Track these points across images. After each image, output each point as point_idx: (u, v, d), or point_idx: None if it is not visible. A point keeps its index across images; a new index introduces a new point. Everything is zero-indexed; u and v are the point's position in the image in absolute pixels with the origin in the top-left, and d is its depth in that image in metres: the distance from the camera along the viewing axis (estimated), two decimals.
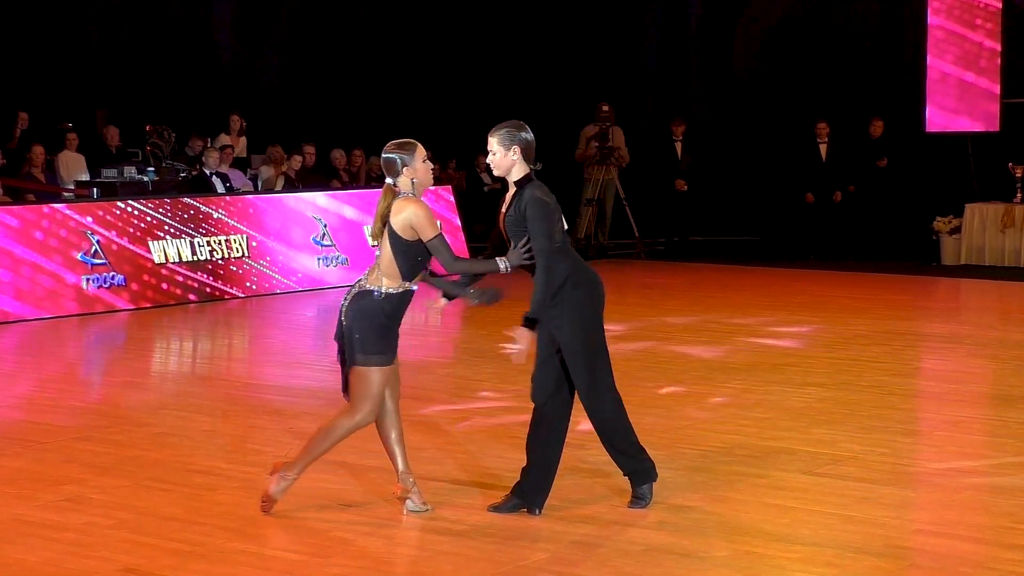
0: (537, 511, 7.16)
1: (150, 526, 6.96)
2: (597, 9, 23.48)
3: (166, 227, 15.74)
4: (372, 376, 6.98)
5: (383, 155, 7.09)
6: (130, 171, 16.55)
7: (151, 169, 16.93)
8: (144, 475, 7.94)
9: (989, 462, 8.52)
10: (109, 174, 16.55)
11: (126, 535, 6.80)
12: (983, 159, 20.70)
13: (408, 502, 7.21)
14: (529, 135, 7.18)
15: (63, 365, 12.81)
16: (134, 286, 15.37)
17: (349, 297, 7.07)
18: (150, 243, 15.59)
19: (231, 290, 16.27)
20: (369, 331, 6.98)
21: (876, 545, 6.71)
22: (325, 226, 17.57)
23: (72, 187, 16.57)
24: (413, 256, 6.94)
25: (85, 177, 16.86)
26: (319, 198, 17.93)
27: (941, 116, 21.00)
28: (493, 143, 7.14)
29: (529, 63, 23.13)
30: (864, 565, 6.40)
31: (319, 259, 17.35)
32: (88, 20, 20.57)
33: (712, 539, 6.77)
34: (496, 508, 7.21)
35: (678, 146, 21.43)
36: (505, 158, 7.13)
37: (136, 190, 16.26)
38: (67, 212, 15.08)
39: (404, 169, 7.01)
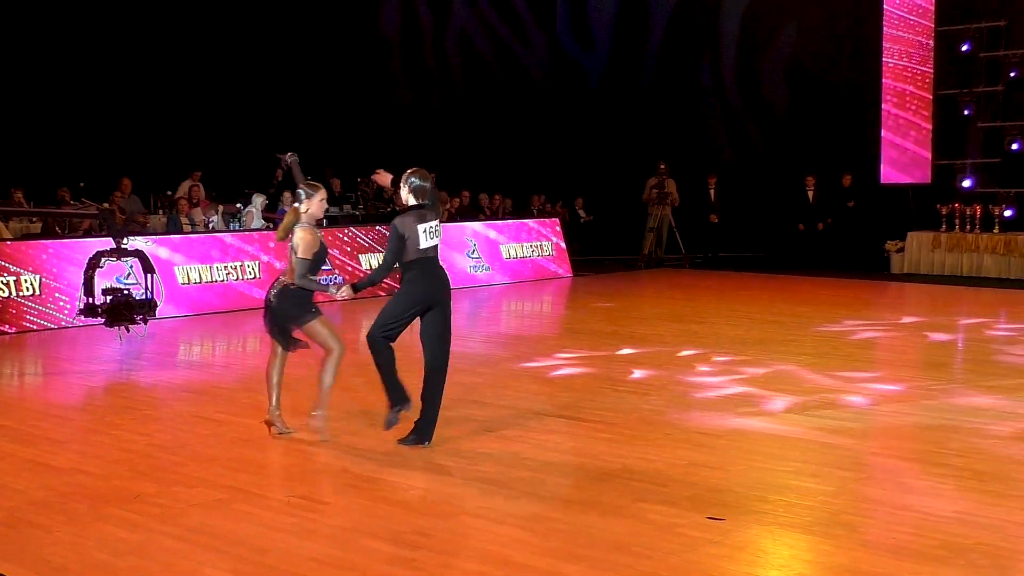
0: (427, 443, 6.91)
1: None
2: (664, 99, 23.59)
3: (370, 245, 16.12)
4: (315, 327, 6.89)
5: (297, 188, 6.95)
6: (347, 208, 16.94)
7: (361, 207, 17.27)
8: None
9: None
10: (334, 210, 16.93)
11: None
12: (919, 202, 20.44)
13: (274, 428, 7.06)
14: (419, 181, 6.75)
15: None
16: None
17: (274, 291, 6.92)
18: (360, 255, 15.98)
19: None
20: (296, 304, 6.87)
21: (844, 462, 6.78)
22: (475, 245, 17.82)
23: None
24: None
25: None
26: (471, 226, 18.21)
27: (891, 172, 20.82)
28: (399, 183, 6.86)
29: (612, 137, 23.26)
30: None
31: (470, 266, 17.60)
32: (322, 107, 20.95)
33: (732, 455, 6.87)
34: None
35: (712, 192, 21.47)
36: (399, 194, 6.86)
37: (351, 221, 16.61)
38: None
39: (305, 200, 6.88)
